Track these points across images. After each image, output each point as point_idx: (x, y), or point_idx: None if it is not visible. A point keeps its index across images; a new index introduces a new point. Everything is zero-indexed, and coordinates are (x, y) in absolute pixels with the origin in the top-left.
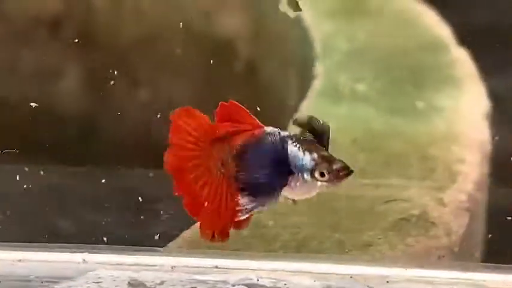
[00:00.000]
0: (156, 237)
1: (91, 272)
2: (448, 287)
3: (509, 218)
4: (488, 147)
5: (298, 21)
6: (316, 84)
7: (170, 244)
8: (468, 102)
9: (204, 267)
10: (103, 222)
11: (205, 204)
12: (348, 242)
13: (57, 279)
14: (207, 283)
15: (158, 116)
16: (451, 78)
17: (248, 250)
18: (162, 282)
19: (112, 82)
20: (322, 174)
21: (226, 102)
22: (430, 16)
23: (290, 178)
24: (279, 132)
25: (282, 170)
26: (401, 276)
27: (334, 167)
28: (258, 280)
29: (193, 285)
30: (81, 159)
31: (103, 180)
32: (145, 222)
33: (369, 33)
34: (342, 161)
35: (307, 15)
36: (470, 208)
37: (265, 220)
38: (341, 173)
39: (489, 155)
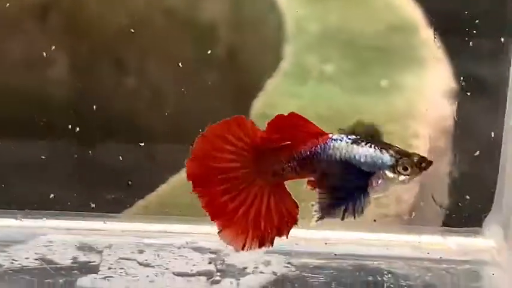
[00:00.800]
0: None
1: (42, 236)
2: (381, 248)
3: None
4: (448, 123)
5: (274, 6)
6: (284, 65)
7: (125, 211)
8: (431, 81)
9: (152, 231)
10: (57, 191)
11: (240, 211)
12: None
13: (8, 243)
14: (154, 246)
15: None
16: (417, 58)
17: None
18: (110, 246)
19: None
20: (405, 169)
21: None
22: None
23: (371, 178)
24: (347, 136)
25: (360, 171)
26: (339, 239)
27: (415, 159)
28: (203, 243)
29: (141, 249)
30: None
31: (75, 155)
32: (102, 191)
33: (341, 16)
34: (418, 154)
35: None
36: (421, 179)
37: None
38: (423, 165)
39: (449, 131)
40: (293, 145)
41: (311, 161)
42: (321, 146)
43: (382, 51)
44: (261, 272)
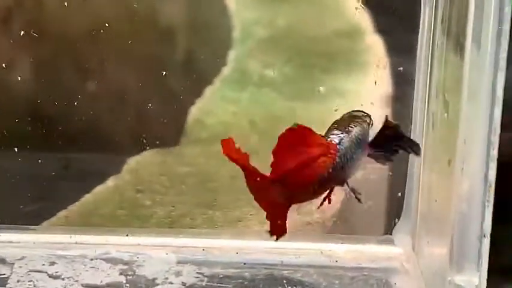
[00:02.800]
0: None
1: None
2: (292, 257)
3: None
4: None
5: (223, 9)
6: (225, 70)
7: (44, 223)
8: (370, 86)
9: (65, 243)
10: None
11: None
12: (220, 218)
13: None
14: (67, 258)
15: None
16: (360, 63)
17: (120, 227)
18: (22, 258)
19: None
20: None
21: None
22: (351, 3)
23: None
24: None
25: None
26: (252, 248)
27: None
28: (116, 253)
29: (53, 260)
30: None
31: None
32: (20, 202)
33: (288, 20)
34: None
35: (232, 3)
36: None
37: (142, 200)
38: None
39: None
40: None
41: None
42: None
43: (326, 56)
44: (170, 283)
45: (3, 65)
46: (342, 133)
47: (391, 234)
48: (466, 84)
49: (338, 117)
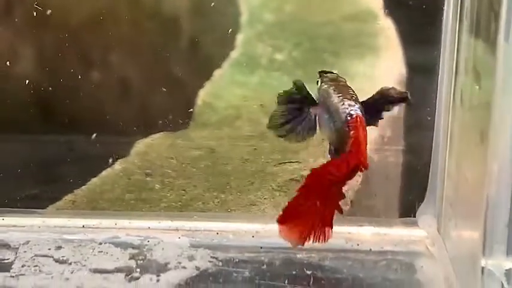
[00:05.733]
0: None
1: None
2: None
3: None
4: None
5: None
6: (234, 54)
7: (50, 207)
8: (383, 69)
9: (71, 226)
10: None
11: None
12: (233, 202)
13: None
14: (74, 242)
15: None
16: (371, 47)
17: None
18: (27, 242)
19: None
20: None
21: None
22: None
23: None
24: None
25: None
26: (269, 232)
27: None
28: (125, 237)
29: (60, 245)
30: None
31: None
32: (25, 185)
33: (296, 5)
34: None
35: None
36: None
37: (152, 184)
38: None
39: (397, 119)
40: None
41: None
42: None
43: (336, 39)
44: (184, 267)
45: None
46: (355, 103)
47: (414, 216)
48: (502, 55)
49: None
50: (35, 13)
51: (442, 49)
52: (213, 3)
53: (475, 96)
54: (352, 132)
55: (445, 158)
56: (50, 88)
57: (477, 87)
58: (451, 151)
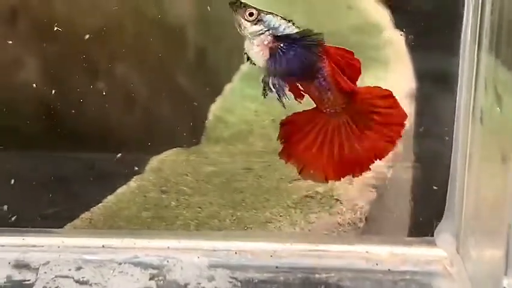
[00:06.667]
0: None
1: None
2: (332, 259)
3: None
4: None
5: None
6: (244, 68)
7: (67, 226)
8: (391, 82)
9: (92, 247)
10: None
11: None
12: (249, 219)
13: None
14: (94, 262)
15: None
16: (380, 59)
17: (145, 230)
18: (47, 263)
19: None
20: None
21: None
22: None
23: None
24: None
25: None
26: (287, 251)
27: None
28: (145, 258)
29: (80, 265)
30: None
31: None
32: (43, 204)
33: (303, 15)
34: None
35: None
36: (378, 185)
37: (167, 201)
38: None
39: (408, 133)
40: None
41: None
42: None
43: None
44: None
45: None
46: None
47: (432, 235)
48: None
49: None
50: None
51: (460, 65)
52: (220, 14)
53: (496, 117)
54: None
55: (464, 176)
56: (65, 104)
57: (498, 108)
58: (470, 169)
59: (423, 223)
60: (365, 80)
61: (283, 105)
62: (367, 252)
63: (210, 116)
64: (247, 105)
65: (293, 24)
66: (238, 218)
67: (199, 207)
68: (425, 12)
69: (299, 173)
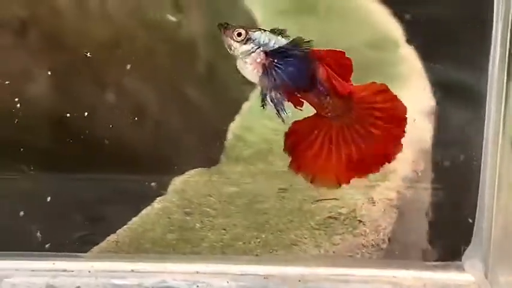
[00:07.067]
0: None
1: (6, 279)
2: (361, 284)
3: None
4: (426, 144)
5: (251, 22)
6: None
7: (94, 249)
8: (410, 100)
9: (120, 271)
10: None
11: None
12: (274, 241)
13: None
14: (122, 287)
15: None
16: (396, 75)
17: (171, 253)
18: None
19: None
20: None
21: None
22: (381, 14)
23: None
24: None
25: None
26: (314, 275)
27: None
28: (173, 282)
29: None
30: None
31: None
32: (70, 227)
33: (316, 30)
34: None
35: (259, 15)
36: (400, 205)
37: (192, 223)
38: None
39: (428, 152)
40: None
41: None
42: None
43: (359, 67)
44: None
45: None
46: None
47: (460, 260)
48: None
49: None
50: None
51: (489, 84)
52: None
53: None
54: None
55: (492, 201)
56: (88, 126)
57: None
58: (499, 194)
59: (451, 247)
60: None
61: (283, 120)
62: (394, 277)
63: (230, 134)
64: (266, 123)
65: (282, 35)
66: (263, 240)
67: (224, 229)
68: (451, 26)
69: (311, 182)
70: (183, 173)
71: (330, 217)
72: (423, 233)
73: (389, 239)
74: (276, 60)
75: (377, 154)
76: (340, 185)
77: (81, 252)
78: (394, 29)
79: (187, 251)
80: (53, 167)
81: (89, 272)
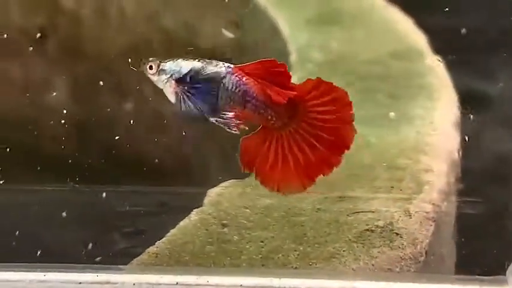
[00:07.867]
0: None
1: None
2: None
3: None
4: (456, 156)
5: (277, 33)
6: None
7: (134, 261)
8: (439, 111)
9: (166, 284)
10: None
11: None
12: (312, 254)
13: None
14: None
15: None
16: (424, 87)
17: (211, 266)
18: None
19: None
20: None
21: None
22: (406, 24)
23: None
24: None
25: None
26: None
27: None
28: None
29: None
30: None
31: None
32: (109, 239)
33: (343, 43)
34: None
35: (285, 26)
36: (436, 218)
37: (230, 235)
38: None
39: (457, 164)
40: None
41: None
42: None
43: (387, 79)
44: None
45: None
46: None
47: (504, 274)
48: None
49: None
50: None
51: None
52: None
53: None
54: None
55: None
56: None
57: None
58: None
59: (495, 261)
60: (415, 111)
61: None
62: None
63: None
64: None
65: (199, 60)
66: (302, 252)
67: (262, 241)
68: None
69: (278, 192)
70: (216, 184)
71: (367, 230)
72: (460, 246)
73: (426, 252)
74: (186, 87)
75: (333, 145)
76: (305, 188)
77: (122, 264)
78: (419, 39)
79: (226, 263)
80: (95, 180)
81: (134, 284)
